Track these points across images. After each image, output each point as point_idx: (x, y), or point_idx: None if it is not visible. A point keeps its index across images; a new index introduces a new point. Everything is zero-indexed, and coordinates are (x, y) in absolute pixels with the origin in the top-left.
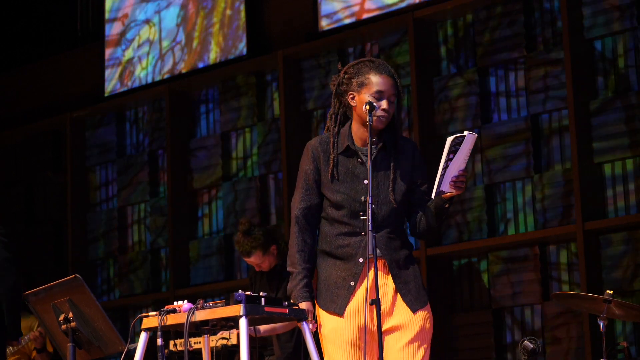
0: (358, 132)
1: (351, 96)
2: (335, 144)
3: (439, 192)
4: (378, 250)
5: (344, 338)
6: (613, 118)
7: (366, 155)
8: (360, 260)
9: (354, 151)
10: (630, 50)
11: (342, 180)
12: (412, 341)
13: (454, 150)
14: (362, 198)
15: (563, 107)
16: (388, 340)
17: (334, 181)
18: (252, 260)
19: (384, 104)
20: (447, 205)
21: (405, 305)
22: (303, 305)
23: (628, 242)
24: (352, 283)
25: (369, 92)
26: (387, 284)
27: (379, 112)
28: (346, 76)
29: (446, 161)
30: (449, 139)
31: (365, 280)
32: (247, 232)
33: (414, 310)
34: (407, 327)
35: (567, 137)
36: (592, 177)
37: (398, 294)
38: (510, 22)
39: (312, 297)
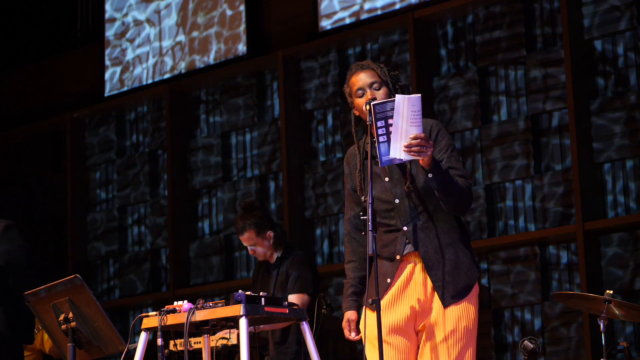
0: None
1: (352, 106)
2: (359, 151)
3: (388, 161)
4: (410, 246)
5: (375, 334)
6: (613, 118)
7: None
8: (397, 257)
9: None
10: (630, 50)
11: (366, 183)
12: (443, 341)
13: (384, 117)
14: (385, 195)
15: (563, 107)
16: (422, 340)
17: (361, 187)
18: (245, 239)
19: (367, 95)
20: (430, 175)
21: (439, 301)
22: (347, 315)
23: (628, 242)
24: (388, 280)
25: (354, 95)
26: (426, 280)
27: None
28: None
29: (379, 128)
30: (371, 105)
31: (401, 277)
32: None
33: (445, 305)
34: (438, 326)
35: (567, 137)
36: (592, 177)
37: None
38: (510, 22)
39: (357, 306)
